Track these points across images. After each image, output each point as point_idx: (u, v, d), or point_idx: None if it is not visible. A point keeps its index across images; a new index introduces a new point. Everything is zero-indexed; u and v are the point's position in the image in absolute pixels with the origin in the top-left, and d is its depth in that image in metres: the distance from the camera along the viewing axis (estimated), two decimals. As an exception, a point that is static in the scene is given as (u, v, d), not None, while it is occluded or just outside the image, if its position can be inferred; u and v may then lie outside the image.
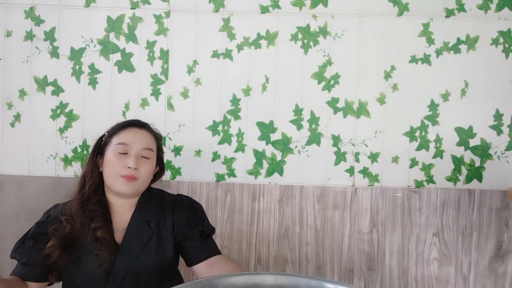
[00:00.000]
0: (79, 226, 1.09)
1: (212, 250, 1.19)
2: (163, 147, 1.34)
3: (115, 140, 1.14)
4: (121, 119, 1.63)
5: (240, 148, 1.66)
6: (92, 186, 1.15)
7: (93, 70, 1.65)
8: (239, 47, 1.65)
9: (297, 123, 1.66)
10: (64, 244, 1.07)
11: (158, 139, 1.22)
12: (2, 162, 1.67)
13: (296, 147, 1.65)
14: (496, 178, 1.64)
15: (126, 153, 1.12)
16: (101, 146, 1.18)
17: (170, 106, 1.66)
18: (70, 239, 1.08)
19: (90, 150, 1.20)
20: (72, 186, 1.63)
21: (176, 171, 1.66)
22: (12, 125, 1.66)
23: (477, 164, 1.64)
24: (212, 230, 1.23)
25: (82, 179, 1.17)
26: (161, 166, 1.24)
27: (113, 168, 1.11)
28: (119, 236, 1.12)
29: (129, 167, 1.10)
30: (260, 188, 1.65)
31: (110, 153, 1.13)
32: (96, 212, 1.11)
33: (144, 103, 1.66)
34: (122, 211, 1.16)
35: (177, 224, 1.17)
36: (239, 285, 0.83)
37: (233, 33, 1.64)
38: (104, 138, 1.18)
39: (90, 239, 1.09)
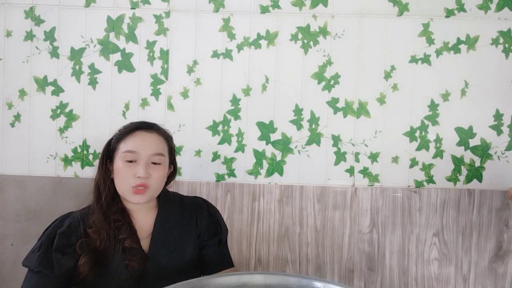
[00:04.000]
0: (107, 238, 1.06)
1: (227, 262, 1.21)
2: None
3: (123, 147, 1.09)
4: (121, 119, 1.65)
5: (240, 148, 1.66)
6: (108, 195, 1.10)
7: (93, 70, 1.65)
8: (239, 47, 1.65)
9: (297, 123, 1.66)
10: (94, 258, 1.04)
11: (169, 139, 1.17)
12: (2, 162, 1.67)
13: (296, 147, 1.65)
14: (496, 178, 1.64)
15: (135, 161, 1.08)
16: (109, 151, 1.13)
17: (170, 106, 1.66)
18: (99, 252, 1.05)
19: (99, 157, 1.15)
20: (72, 187, 1.65)
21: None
22: (12, 125, 1.66)
23: (477, 164, 1.64)
24: (226, 232, 1.24)
25: (96, 189, 1.12)
26: (174, 166, 1.21)
27: (122, 178, 1.07)
28: (144, 244, 1.10)
29: (138, 177, 1.06)
30: (260, 188, 1.65)
31: (119, 161, 1.08)
32: (120, 222, 1.08)
33: (144, 103, 1.66)
34: (143, 217, 1.14)
35: (199, 231, 1.18)
36: (228, 285, 0.83)
37: (233, 33, 1.64)
38: (112, 143, 1.13)
39: (117, 250, 1.06)
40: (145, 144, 1.09)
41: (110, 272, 1.06)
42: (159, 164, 1.10)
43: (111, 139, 1.15)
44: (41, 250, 1.04)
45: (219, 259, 1.20)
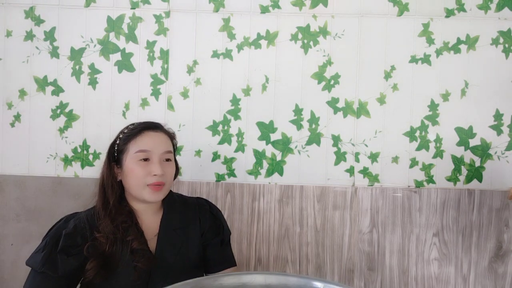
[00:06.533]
0: (114, 241, 1.06)
1: (229, 262, 1.23)
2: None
3: (133, 147, 1.09)
4: (121, 119, 1.65)
5: (240, 148, 1.66)
6: (116, 198, 1.11)
7: (93, 70, 1.65)
8: (239, 47, 1.65)
9: (297, 123, 1.65)
10: (102, 262, 1.04)
11: (173, 138, 1.19)
12: (2, 162, 1.67)
13: (296, 147, 1.65)
14: (496, 178, 1.64)
15: (148, 159, 1.09)
16: (114, 153, 1.13)
17: (170, 106, 1.66)
18: (107, 256, 1.05)
19: (105, 160, 1.14)
20: (72, 187, 1.65)
21: (176, 171, 1.66)
22: (12, 125, 1.66)
23: (477, 164, 1.64)
24: (229, 232, 1.25)
25: (102, 193, 1.11)
26: (176, 164, 1.22)
27: (137, 178, 1.08)
28: (151, 244, 1.11)
29: (155, 175, 1.07)
30: (260, 188, 1.65)
31: (131, 161, 1.09)
32: (127, 223, 1.09)
33: (144, 103, 1.66)
34: (149, 218, 1.14)
35: (202, 231, 1.19)
36: (228, 285, 0.82)
37: (233, 33, 1.64)
38: (117, 145, 1.13)
39: (125, 252, 1.06)
40: (156, 143, 1.11)
41: (118, 274, 1.06)
42: (170, 161, 1.14)
43: (115, 141, 1.14)
44: (45, 251, 1.04)
45: (221, 259, 1.21)
